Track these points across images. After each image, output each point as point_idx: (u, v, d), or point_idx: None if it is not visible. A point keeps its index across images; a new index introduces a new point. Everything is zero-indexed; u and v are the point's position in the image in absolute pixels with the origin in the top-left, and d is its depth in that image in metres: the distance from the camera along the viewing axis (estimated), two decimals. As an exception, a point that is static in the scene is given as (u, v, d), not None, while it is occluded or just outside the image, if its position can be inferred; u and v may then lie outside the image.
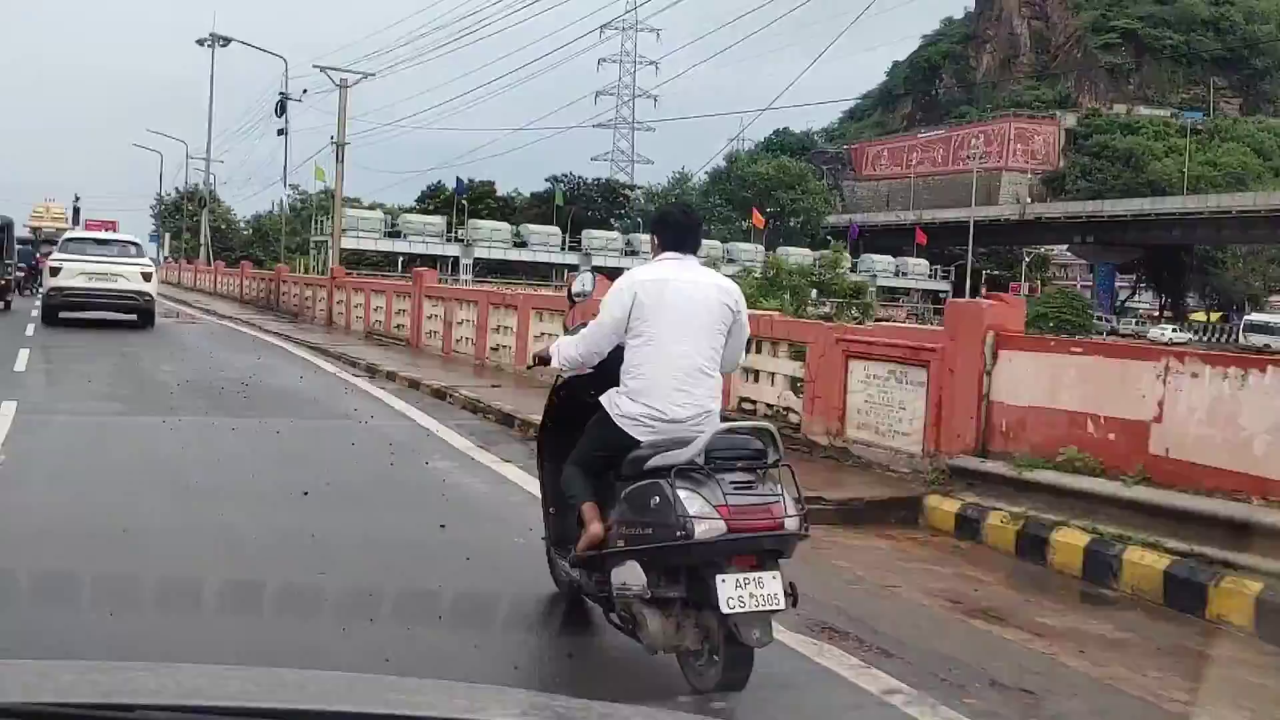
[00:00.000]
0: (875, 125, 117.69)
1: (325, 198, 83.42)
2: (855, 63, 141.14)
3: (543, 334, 12.53)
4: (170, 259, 68.57)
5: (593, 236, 68.39)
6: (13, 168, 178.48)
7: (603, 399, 4.05)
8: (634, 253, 68.49)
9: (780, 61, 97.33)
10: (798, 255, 72.63)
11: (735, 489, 3.58)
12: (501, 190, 78.66)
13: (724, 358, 4.13)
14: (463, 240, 65.15)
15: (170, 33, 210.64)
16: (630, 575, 3.65)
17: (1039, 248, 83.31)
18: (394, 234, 63.93)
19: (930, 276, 76.36)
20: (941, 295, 75.38)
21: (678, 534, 3.51)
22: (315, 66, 33.18)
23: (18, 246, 24.65)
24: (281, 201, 77.48)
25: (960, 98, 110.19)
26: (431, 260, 63.87)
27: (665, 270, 4.12)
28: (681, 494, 3.54)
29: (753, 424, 4.12)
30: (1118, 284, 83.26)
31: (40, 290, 22.77)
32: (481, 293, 18.88)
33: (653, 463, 3.74)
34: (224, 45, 52.36)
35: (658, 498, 3.61)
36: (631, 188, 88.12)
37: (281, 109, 39.29)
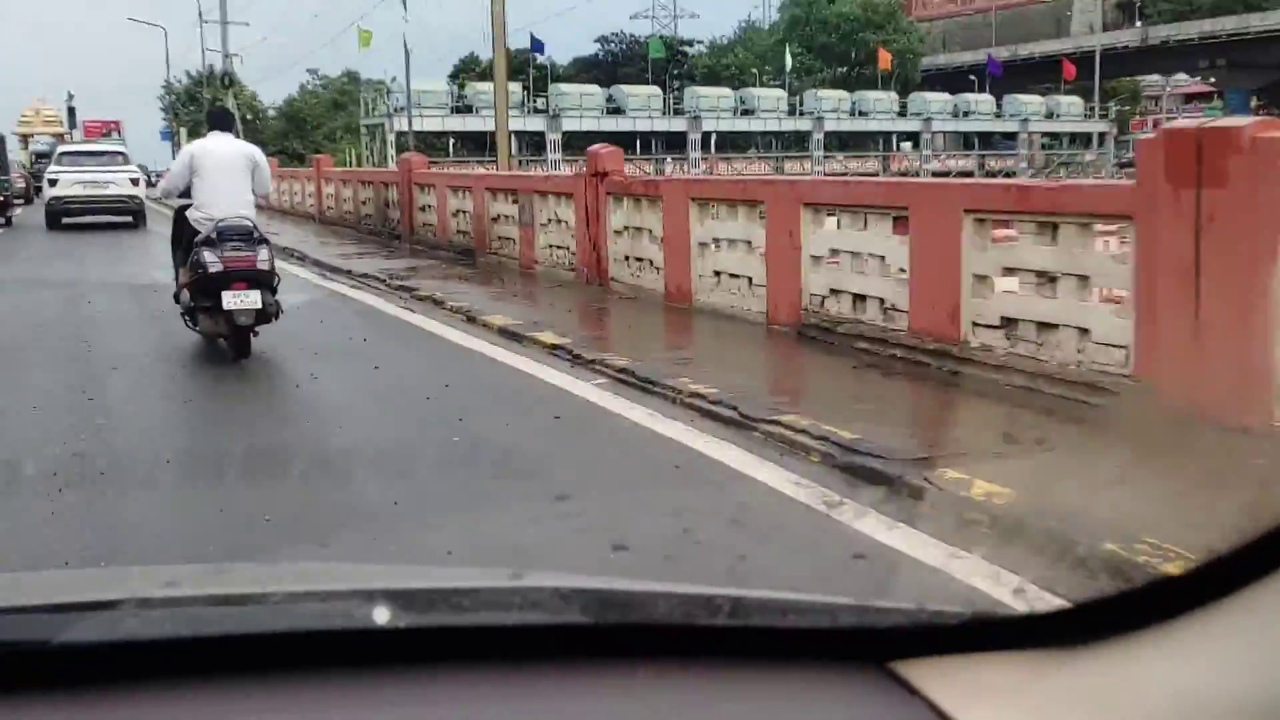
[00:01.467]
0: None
1: (349, 82, 72.31)
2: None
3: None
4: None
5: (701, 96, 56.69)
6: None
7: (186, 212, 7.87)
8: (749, 111, 56.97)
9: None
10: (937, 102, 61.72)
11: (232, 249, 7.31)
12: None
13: (255, 186, 7.91)
14: (546, 111, 53.40)
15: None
16: (186, 297, 7.63)
17: (1152, 76, 72.17)
18: (463, 109, 52.19)
19: (1086, 116, 64.71)
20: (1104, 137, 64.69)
21: (199, 271, 7.28)
22: None
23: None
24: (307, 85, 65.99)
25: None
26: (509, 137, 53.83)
27: (210, 141, 7.94)
28: (204, 252, 7.29)
29: (244, 218, 7.57)
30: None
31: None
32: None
33: (196, 240, 7.45)
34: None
35: (196, 256, 7.37)
36: (688, 43, 76.20)
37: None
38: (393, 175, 18.65)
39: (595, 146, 11.69)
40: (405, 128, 48.52)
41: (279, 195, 26.53)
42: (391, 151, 48.08)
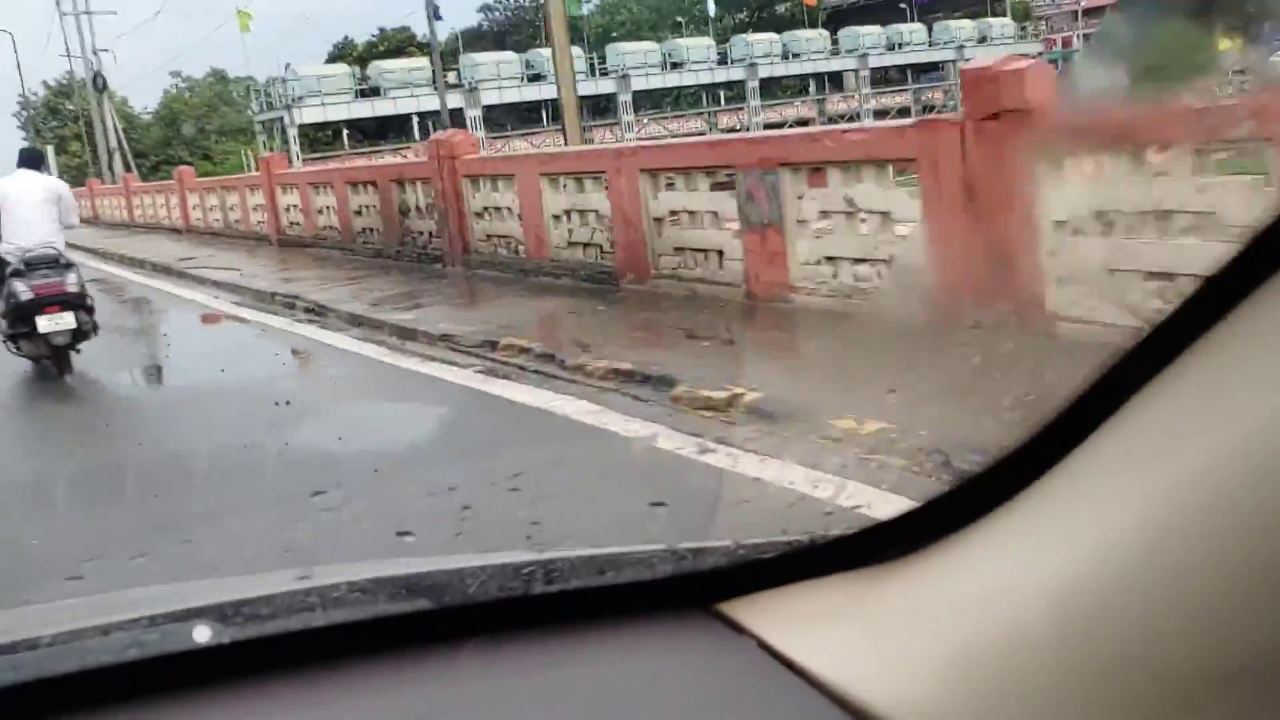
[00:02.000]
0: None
1: (219, 82, 65.62)
2: None
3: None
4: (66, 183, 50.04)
5: (626, 52, 52.01)
6: None
7: None
8: (678, 65, 52.68)
9: None
10: (870, 35, 58.17)
11: (40, 277, 7.88)
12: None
13: (61, 217, 8.39)
14: (461, 85, 48.33)
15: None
16: (4, 325, 8.03)
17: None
18: (368, 92, 46.88)
19: (1019, 39, 62.05)
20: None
21: (13, 300, 7.80)
22: None
23: None
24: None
25: None
26: (411, 120, 48.89)
27: (12, 180, 8.33)
28: (14, 283, 7.84)
29: (51, 246, 8.14)
30: None
31: None
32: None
33: (7, 272, 7.99)
34: None
35: (8, 287, 7.90)
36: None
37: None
38: (416, 169, 13.26)
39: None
40: (308, 119, 43.32)
41: (203, 213, 22.33)
42: (295, 148, 42.65)
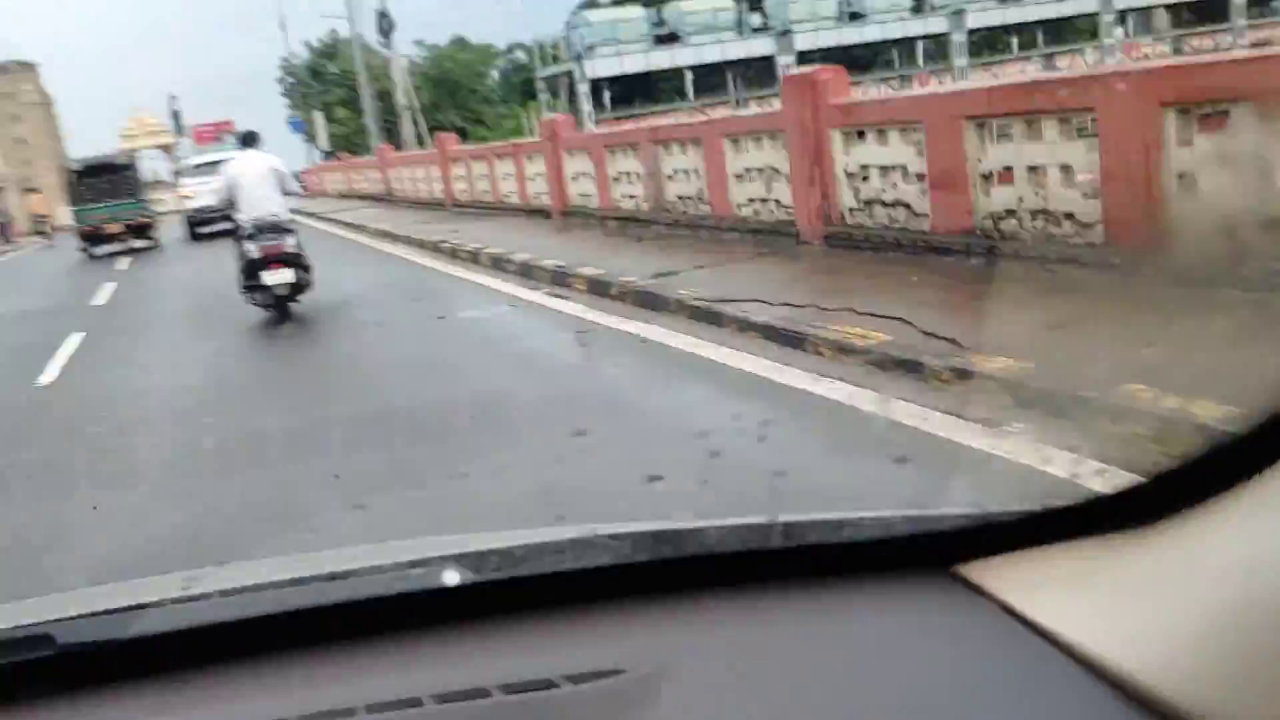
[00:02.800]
0: None
1: (461, 49, 67.39)
2: None
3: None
4: (335, 156, 53.05)
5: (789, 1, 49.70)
6: (84, 78, 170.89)
7: (233, 215, 11.62)
8: (858, 16, 50.26)
9: None
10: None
11: (266, 239, 11.04)
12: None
13: (284, 187, 11.58)
14: (769, 28, 47.99)
15: None
16: (241, 279, 11.38)
17: None
18: (666, 38, 47.28)
19: None
20: None
21: (245, 258, 11.18)
22: None
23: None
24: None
25: None
26: (720, 70, 48.85)
27: (241, 160, 11.60)
28: (247, 244, 11.14)
29: (273, 215, 11.25)
30: None
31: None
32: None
33: (240, 235, 11.39)
34: None
35: (241, 247, 11.32)
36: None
37: None
38: (757, 123, 12.53)
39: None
40: (600, 72, 43.95)
41: (485, 185, 22.71)
42: (588, 107, 43.44)
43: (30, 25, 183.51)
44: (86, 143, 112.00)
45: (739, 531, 1.31)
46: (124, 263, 25.40)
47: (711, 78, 50.10)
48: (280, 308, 11.29)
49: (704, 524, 1.34)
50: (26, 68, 67.35)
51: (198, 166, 30.60)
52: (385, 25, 39.60)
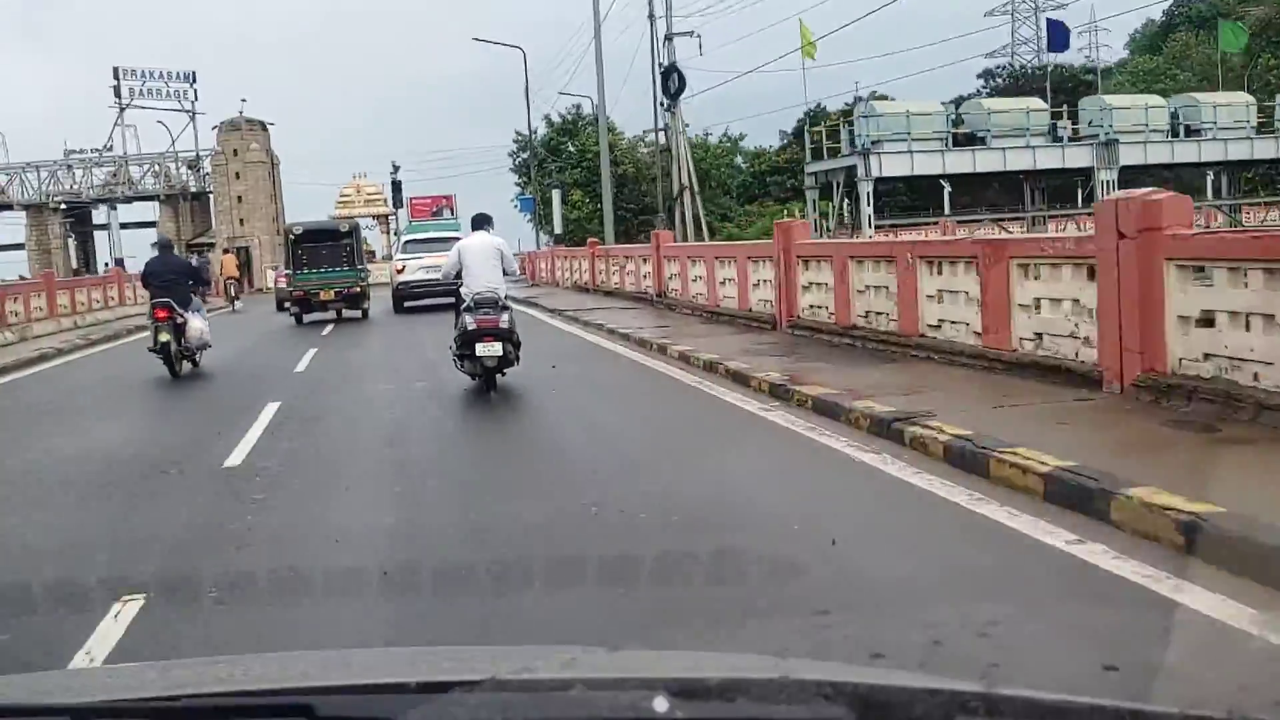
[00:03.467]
0: None
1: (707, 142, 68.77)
2: None
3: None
4: (568, 240, 55.11)
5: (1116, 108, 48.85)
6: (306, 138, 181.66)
7: (460, 290, 14.83)
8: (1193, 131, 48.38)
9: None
10: None
11: (483, 313, 13.97)
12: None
13: (505, 267, 14.81)
14: (1091, 137, 47.23)
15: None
16: (454, 347, 14.38)
17: None
18: (964, 139, 46.94)
19: None
20: None
21: (463, 329, 14.03)
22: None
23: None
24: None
25: None
26: (1014, 179, 48.36)
27: (471, 239, 15.04)
28: (465, 316, 14.04)
29: (493, 291, 14.17)
30: None
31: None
32: None
33: (460, 308, 14.45)
34: None
35: (460, 319, 14.25)
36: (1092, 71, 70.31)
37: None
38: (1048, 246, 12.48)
39: None
40: (888, 171, 43.72)
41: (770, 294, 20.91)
42: (868, 209, 43.27)
43: (266, 87, 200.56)
44: (300, 205, 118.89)
45: (946, 703, 1.46)
46: (327, 329, 28.82)
47: (1003, 187, 49.70)
48: (487, 378, 14.03)
49: (915, 684, 1.54)
50: (259, 126, 71.64)
51: (411, 242, 34.95)
52: (672, 85, 37.30)
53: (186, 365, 18.65)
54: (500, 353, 13.65)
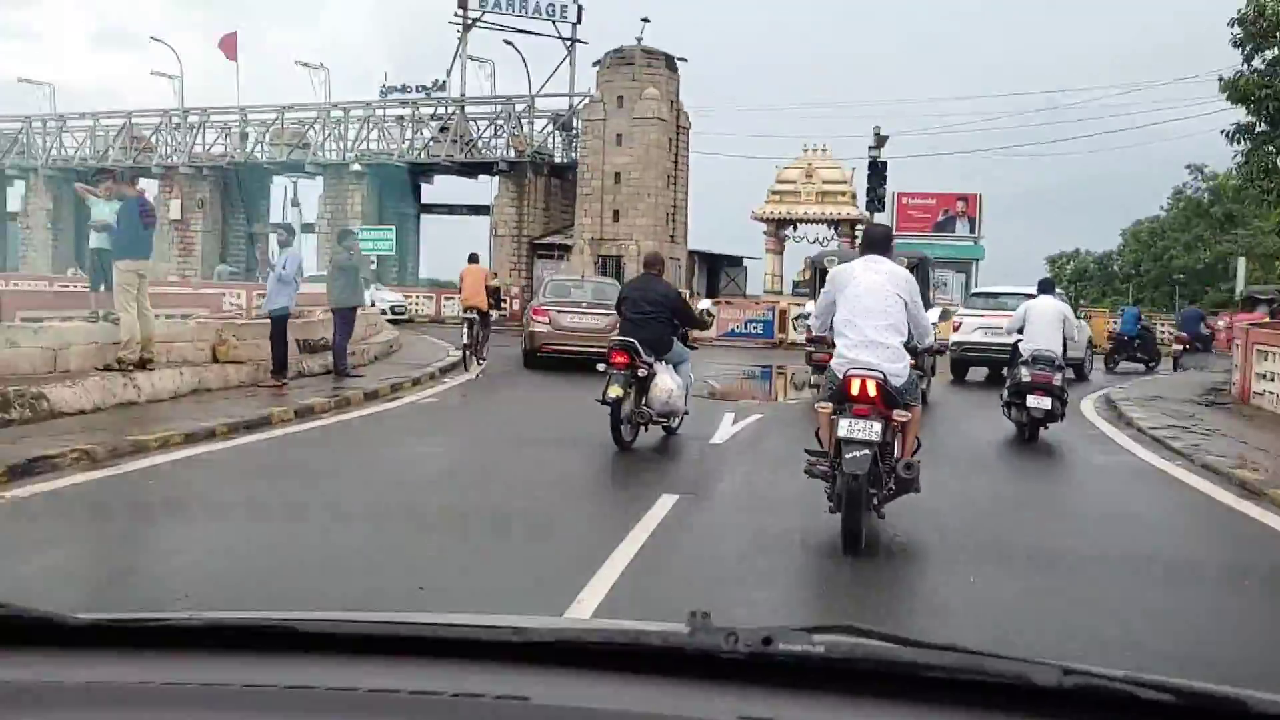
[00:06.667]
0: None
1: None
2: None
3: None
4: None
5: None
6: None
7: (1018, 344, 16.22)
8: None
9: None
10: None
11: (1039, 369, 15.34)
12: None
13: (1066, 332, 16.27)
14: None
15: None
16: (1006, 394, 16.03)
17: None
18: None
19: None
20: None
21: (1016, 380, 15.69)
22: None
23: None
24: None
25: None
26: None
27: (1036, 301, 16.61)
28: (1021, 369, 15.57)
29: (1050, 351, 15.49)
30: None
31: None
32: None
33: (1019, 360, 16.04)
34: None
35: (1017, 370, 15.92)
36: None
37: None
38: None
39: None
40: None
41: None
42: None
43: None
44: (704, 193, 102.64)
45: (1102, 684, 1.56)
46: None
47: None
48: (1032, 429, 15.49)
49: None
50: (663, 61, 55.90)
51: (977, 295, 32.75)
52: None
53: (641, 431, 14.17)
54: (1048, 406, 15.23)
